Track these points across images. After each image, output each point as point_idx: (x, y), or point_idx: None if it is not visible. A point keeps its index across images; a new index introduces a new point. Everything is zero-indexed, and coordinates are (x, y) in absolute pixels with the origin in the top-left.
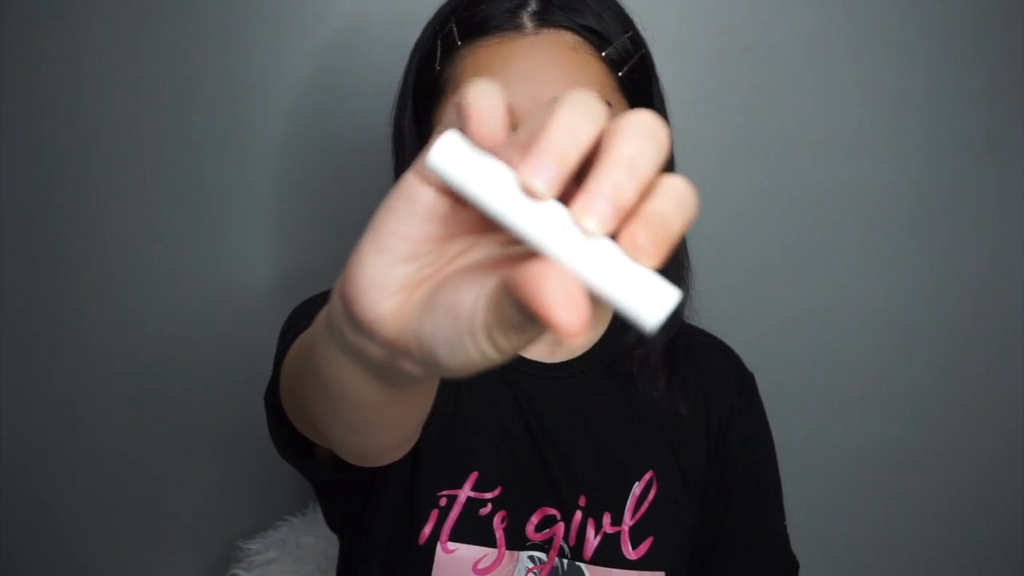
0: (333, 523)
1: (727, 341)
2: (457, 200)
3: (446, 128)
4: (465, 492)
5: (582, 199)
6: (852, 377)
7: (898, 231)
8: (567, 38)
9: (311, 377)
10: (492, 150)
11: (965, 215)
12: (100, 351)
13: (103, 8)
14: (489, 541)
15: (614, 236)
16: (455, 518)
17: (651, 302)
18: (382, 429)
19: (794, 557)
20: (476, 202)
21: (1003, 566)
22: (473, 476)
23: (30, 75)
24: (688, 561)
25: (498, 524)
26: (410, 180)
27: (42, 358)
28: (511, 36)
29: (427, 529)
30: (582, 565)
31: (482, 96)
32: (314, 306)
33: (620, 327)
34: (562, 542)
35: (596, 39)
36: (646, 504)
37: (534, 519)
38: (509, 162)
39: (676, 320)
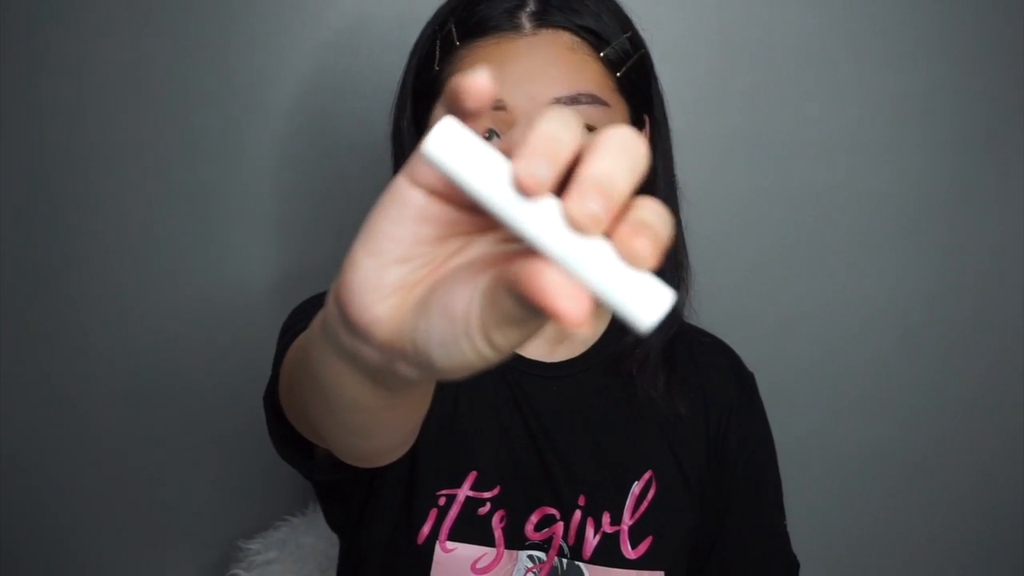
0: (333, 523)
1: (727, 341)
2: (448, 201)
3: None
4: (464, 491)
5: (573, 191)
6: (852, 377)
7: (898, 231)
8: (565, 38)
9: (308, 381)
10: (481, 123)
11: (965, 215)
12: (100, 351)
13: (102, 8)
14: (488, 540)
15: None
16: (454, 517)
17: (646, 303)
18: (380, 431)
19: (794, 557)
20: (470, 192)
21: (1003, 566)
22: (472, 475)
23: (30, 75)
24: (687, 561)
25: (497, 523)
26: (400, 183)
27: (41, 358)
28: (509, 36)
29: (426, 528)
30: (581, 565)
31: (473, 73)
32: (313, 307)
33: (620, 327)
34: (561, 541)
35: (595, 39)
36: (645, 504)
37: (533, 518)
38: (505, 155)
39: (675, 320)
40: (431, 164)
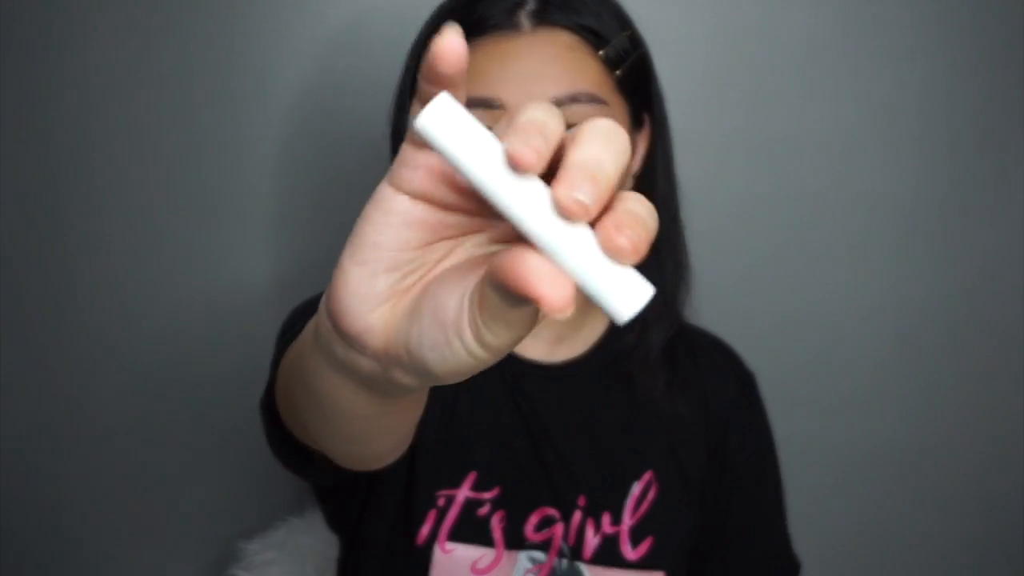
0: (332, 524)
1: (727, 340)
2: (433, 205)
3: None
4: (463, 492)
5: (562, 177)
6: (851, 377)
7: (897, 230)
8: (564, 37)
9: (303, 390)
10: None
11: (964, 215)
12: (100, 351)
13: (102, 6)
14: (487, 541)
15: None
16: (453, 518)
17: (626, 296)
18: (376, 437)
19: (795, 558)
20: (461, 169)
21: (1003, 565)
22: (471, 476)
23: (30, 75)
24: (688, 562)
25: (496, 524)
26: (383, 190)
27: (41, 357)
28: (508, 35)
29: (425, 529)
30: (581, 565)
31: (443, 35)
32: (311, 309)
33: (620, 327)
34: (561, 542)
35: (594, 38)
36: (646, 504)
37: (533, 519)
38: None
39: (675, 319)
40: (424, 139)
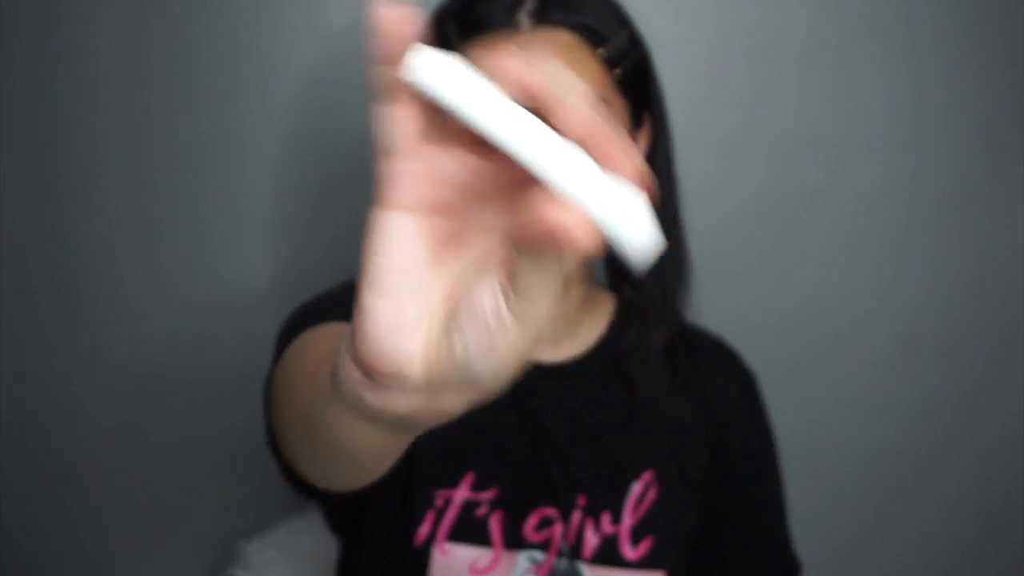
0: (332, 524)
1: (727, 340)
2: (429, 208)
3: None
4: (461, 492)
5: (555, 107)
6: (851, 376)
7: (897, 230)
8: (564, 37)
9: (312, 438)
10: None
11: (963, 214)
12: (100, 351)
13: (102, 6)
14: (486, 541)
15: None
16: (452, 519)
17: (638, 227)
18: (380, 467)
19: (796, 558)
20: (459, 110)
21: (1002, 565)
22: (470, 476)
23: (30, 74)
24: (688, 562)
25: (495, 524)
26: (379, 215)
27: (41, 357)
28: (508, 35)
29: (423, 530)
30: (581, 565)
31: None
32: (310, 311)
33: (620, 327)
34: (561, 542)
35: (594, 37)
36: (646, 504)
37: (532, 519)
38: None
39: (675, 319)
40: (416, 86)
